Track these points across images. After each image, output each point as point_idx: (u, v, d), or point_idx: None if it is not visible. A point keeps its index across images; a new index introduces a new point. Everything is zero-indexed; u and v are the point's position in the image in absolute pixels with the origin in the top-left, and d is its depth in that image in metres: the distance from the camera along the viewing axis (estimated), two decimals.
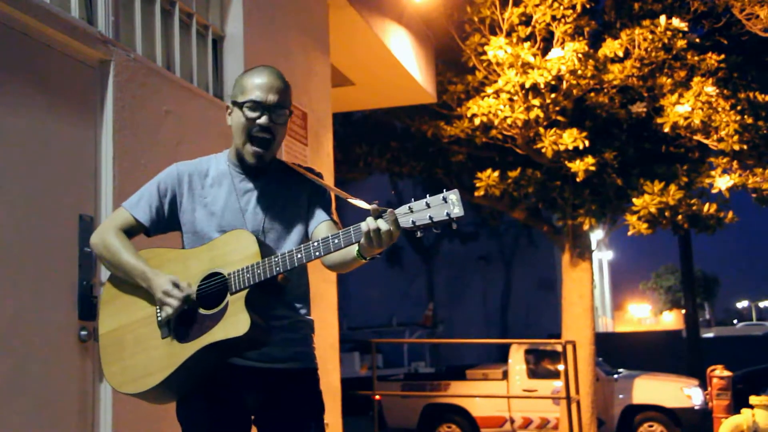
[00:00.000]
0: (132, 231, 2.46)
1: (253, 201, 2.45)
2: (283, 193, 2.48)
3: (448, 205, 2.05)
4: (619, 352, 18.41)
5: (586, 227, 9.61)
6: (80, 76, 3.60)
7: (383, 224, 2.12)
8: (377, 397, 10.14)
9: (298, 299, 2.47)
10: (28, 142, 3.29)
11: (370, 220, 2.13)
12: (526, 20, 8.46)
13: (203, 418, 2.35)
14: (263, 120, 2.37)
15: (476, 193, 9.13)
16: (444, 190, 2.08)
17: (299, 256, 2.20)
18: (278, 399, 2.39)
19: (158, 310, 2.33)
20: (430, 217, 2.06)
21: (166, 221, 2.48)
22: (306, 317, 2.49)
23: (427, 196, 2.09)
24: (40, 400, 3.21)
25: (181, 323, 2.29)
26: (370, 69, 7.88)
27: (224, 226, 2.40)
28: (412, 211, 2.09)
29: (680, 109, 8.09)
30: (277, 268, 2.22)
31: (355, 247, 2.22)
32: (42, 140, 3.36)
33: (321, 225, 2.46)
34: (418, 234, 2.13)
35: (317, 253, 2.19)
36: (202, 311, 2.29)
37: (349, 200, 2.34)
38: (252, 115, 2.38)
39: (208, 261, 2.33)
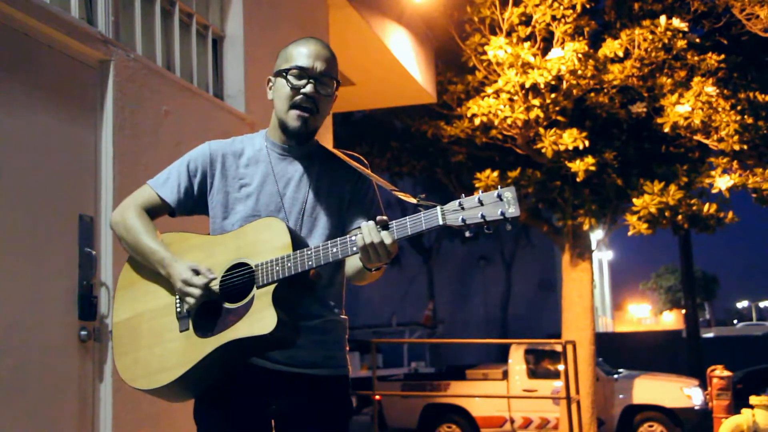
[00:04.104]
0: (156, 211, 2.27)
1: (292, 184, 2.23)
2: (326, 179, 2.27)
3: (503, 203, 1.88)
4: (619, 352, 18.46)
5: (586, 227, 9.61)
6: (80, 76, 3.60)
7: (386, 237, 1.94)
8: (377, 397, 10.13)
9: (331, 296, 2.25)
10: (28, 142, 3.29)
11: (366, 231, 1.96)
12: (526, 20, 8.47)
13: (221, 422, 2.18)
14: (309, 89, 2.16)
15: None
16: (498, 187, 1.90)
17: (334, 250, 2.01)
18: (303, 406, 2.18)
19: (178, 301, 2.15)
20: (483, 216, 1.89)
21: (193, 203, 2.28)
22: (339, 317, 2.28)
23: (480, 192, 1.92)
24: (40, 400, 3.21)
25: (202, 316, 2.10)
26: (370, 69, 7.88)
27: (259, 210, 2.20)
28: (462, 208, 1.91)
29: (680, 109, 8.08)
30: (309, 263, 2.01)
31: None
32: (42, 140, 3.36)
33: (362, 221, 2.25)
34: (468, 234, 1.93)
35: (354, 249, 2.00)
36: (225, 305, 2.08)
37: (395, 193, 2.14)
38: (297, 83, 2.17)
39: (235, 249, 2.12)
